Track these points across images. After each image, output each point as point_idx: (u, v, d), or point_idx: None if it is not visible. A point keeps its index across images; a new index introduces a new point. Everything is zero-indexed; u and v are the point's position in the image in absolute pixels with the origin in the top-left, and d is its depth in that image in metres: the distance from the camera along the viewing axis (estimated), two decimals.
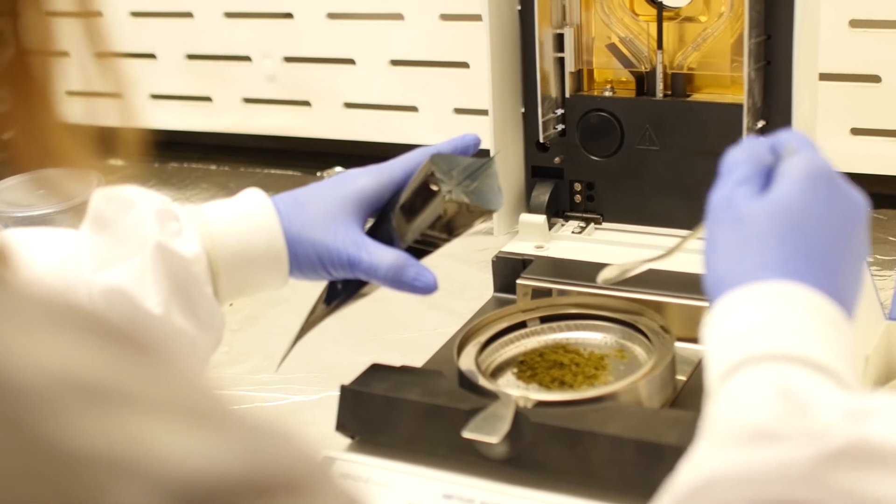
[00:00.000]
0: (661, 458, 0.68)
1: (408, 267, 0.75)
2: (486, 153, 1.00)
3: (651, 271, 0.93)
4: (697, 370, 0.84)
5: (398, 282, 0.76)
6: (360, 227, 0.77)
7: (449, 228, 0.77)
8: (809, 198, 0.57)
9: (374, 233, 0.78)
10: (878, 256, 1.16)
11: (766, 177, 0.59)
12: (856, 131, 1.22)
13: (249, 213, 0.75)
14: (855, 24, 1.19)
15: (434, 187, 0.74)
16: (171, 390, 0.27)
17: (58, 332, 0.26)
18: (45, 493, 0.23)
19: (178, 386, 0.28)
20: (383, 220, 0.79)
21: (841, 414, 0.48)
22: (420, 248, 0.78)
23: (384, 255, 0.75)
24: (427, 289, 0.76)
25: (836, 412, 0.48)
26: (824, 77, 0.98)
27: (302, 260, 0.76)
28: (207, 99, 1.58)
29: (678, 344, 0.81)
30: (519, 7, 0.99)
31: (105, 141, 0.43)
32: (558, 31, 0.99)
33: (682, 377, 0.82)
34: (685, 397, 0.80)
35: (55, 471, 0.23)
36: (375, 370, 0.80)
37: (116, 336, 0.28)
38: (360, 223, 0.77)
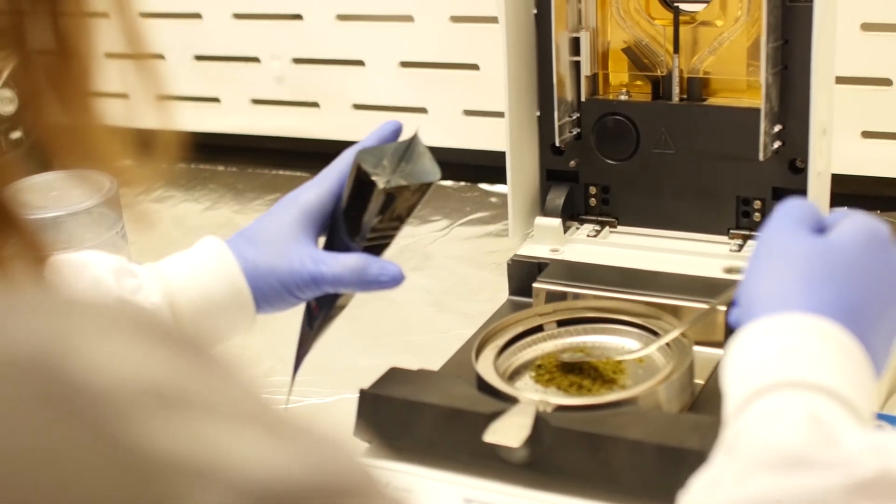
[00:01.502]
0: (682, 462, 0.68)
1: (369, 266, 0.75)
2: (501, 156, 1.01)
3: (666, 275, 0.94)
4: (715, 374, 0.84)
5: (365, 283, 0.76)
6: (314, 243, 0.78)
7: (397, 216, 0.76)
8: (861, 251, 0.58)
9: (330, 244, 0.79)
10: None
11: (821, 228, 0.60)
12: (867, 134, 1.22)
13: (206, 261, 0.76)
14: (867, 27, 1.19)
15: (368, 183, 0.75)
16: (239, 397, 0.28)
17: (132, 338, 0.27)
18: (129, 499, 0.23)
19: (245, 393, 0.28)
20: (335, 229, 0.79)
21: (866, 446, 0.49)
22: (378, 244, 0.78)
23: (344, 262, 0.75)
24: (394, 281, 0.76)
25: (862, 444, 0.49)
26: (836, 80, 0.97)
27: (267, 293, 0.76)
28: (216, 100, 1.57)
29: (696, 348, 0.81)
30: (535, 10, 0.98)
31: (143, 143, 0.43)
32: (574, 34, 0.99)
33: (700, 381, 0.82)
34: (704, 401, 0.80)
35: (139, 476, 0.24)
36: (394, 374, 0.80)
37: (185, 343, 0.28)
38: (312, 239, 0.78)
